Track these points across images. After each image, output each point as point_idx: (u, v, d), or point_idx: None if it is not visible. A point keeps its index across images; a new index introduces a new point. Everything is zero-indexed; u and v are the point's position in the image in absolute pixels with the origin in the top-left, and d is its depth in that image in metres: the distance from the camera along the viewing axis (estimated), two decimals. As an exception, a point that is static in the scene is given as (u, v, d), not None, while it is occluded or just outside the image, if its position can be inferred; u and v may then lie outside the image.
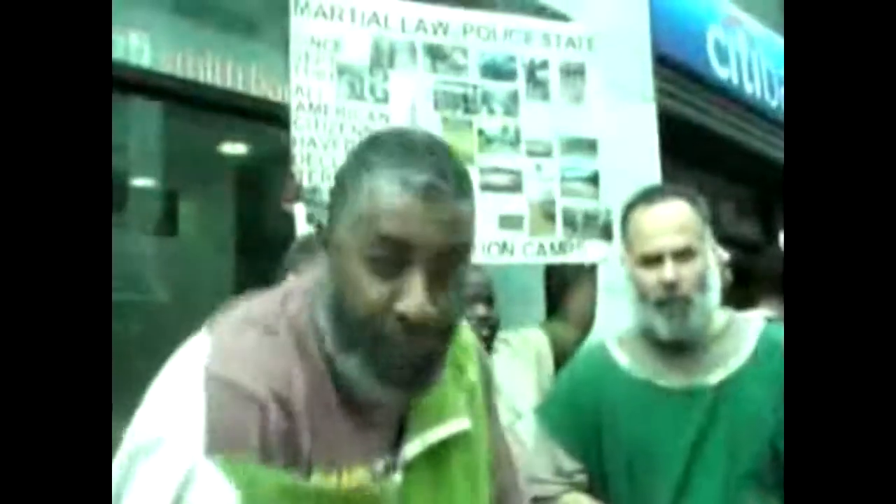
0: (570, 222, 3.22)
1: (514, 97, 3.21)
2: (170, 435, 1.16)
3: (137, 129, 4.11)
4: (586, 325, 3.24)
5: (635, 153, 5.12)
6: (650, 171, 5.35)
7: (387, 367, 1.20)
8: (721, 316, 2.15)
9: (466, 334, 1.50)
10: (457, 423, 1.38)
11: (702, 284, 2.05)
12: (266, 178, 3.31)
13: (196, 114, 4.12)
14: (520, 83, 3.22)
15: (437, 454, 1.35)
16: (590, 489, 2.15)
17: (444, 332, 1.24)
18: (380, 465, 1.28)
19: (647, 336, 2.14)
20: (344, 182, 1.27)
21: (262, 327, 1.26)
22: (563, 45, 3.32)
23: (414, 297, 1.18)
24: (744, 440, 2.00)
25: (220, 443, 1.14)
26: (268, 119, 3.39)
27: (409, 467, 1.31)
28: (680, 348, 2.10)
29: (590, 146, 3.31)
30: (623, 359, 2.17)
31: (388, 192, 1.19)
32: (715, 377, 2.07)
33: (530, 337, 3.11)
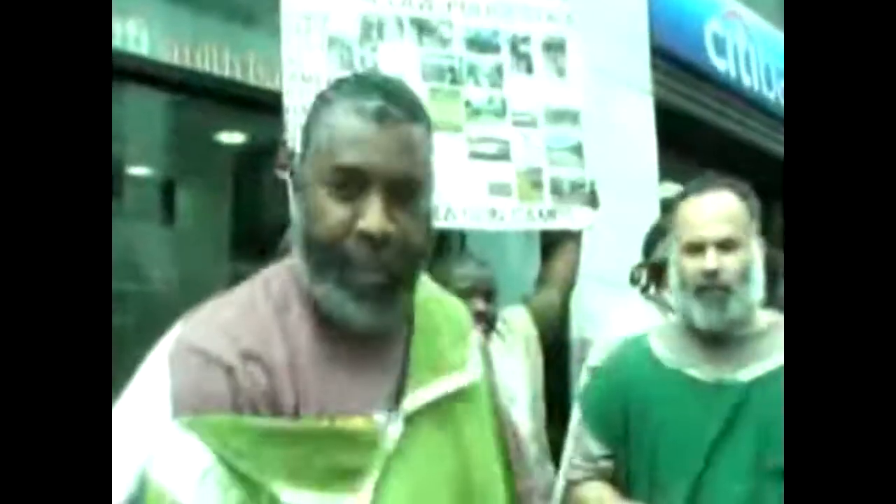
0: (557, 191, 3.28)
1: (499, 70, 3.27)
2: (136, 406, 1.22)
3: (135, 117, 4.10)
4: (568, 287, 3.31)
5: (633, 145, 5.12)
6: (648, 163, 5.35)
7: (356, 287, 1.27)
8: (766, 316, 2.16)
9: (461, 309, 1.57)
10: (458, 378, 1.42)
11: (744, 276, 2.06)
12: (263, 166, 3.31)
13: (194, 102, 4.12)
14: (504, 56, 3.29)
15: (442, 408, 1.38)
16: (614, 477, 2.17)
17: (407, 252, 1.30)
18: (381, 417, 1.30)
19: (687, 326, 2.15)
20: (308, 123, 1.36)
21: (240, 303, 1.32)
22: (544, 20, 3.38)
23: (372, 215, 1.25)
24: (772, 441, 1.98)
25: (186, 406, 1.19)
26: (265, 108, 3.38)
27: (410, 420, 1.32)
28: (717, 341, 2.11)
29: (573, 118, 3.37)
30: (659, 348, 2.19)
31: (343, 121, 1.29)
32: (748, 374, 2.07)
33: (516, 321, 3.14)
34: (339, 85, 1.37)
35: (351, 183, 1.27)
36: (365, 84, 1.34)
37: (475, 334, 1.55)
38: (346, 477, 1.25)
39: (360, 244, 1.26)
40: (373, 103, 1.28)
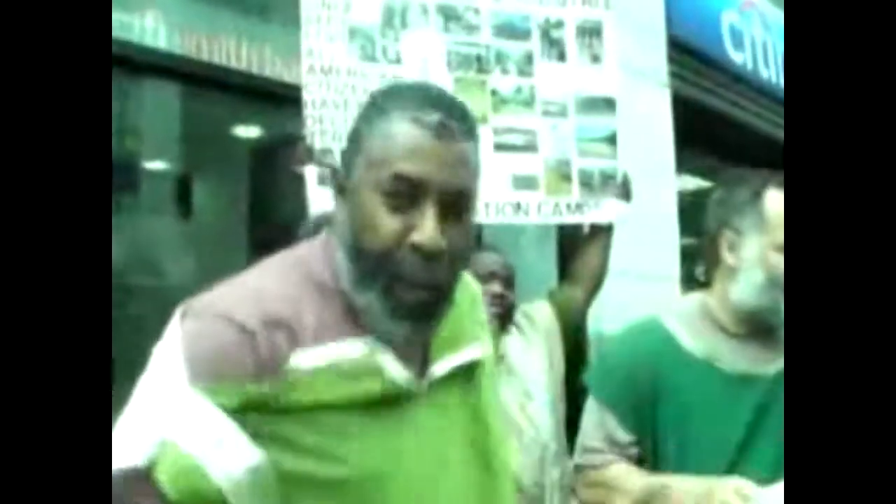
0: (586, 183, 3.18)
1: (528, 57, 3.16)
2: (156, 371, 1.23)
3: (152, 111, 4.10)
4: (595, 286, 3.21)
5: (650, 138, 5.10)
6: (665, 156, 5.33)
7: (400, 302, 1.29)
8: None
9: (475, 286, 1.62)
10: (477, 349, 1.49)
11: None
12: (280, 160, 3.30)
13: (210, 96, 4.12)
14: (534, 43, 3.18)
15: (467, 380, 1.46)
16: (640, 462, 2.17)
17: (455, 266, 1.33)
18: (404, 381, 1.34)
19: (709, 316, 2.18)
20: (359, 129, 1.36)
21: (273, 273, 1.35)
22: (580, 3, 3.28)
23: (427, 229, 1.27)
24: None
25: (204, 372, 1.20)
26: (282, 101, 3.38)
27: (434, 386, 1.39)
28: (742, 334, 2.13)
29: (607, 105, 3.28)
30: (685, 337, 2.18)
31: (402, 131, 1.29)
32: (774, 367, 2.09)
33: (537, 315, 3.10)
34: (391, 94, 1.38)
35: (406, 193, 1.28)
36: (422, 96, 1.35)
37: (483, 313, 1.60)
38: (369, 432, 1.29)
39: (411, 256, 1.27)
40: (432, 117, 1.29)
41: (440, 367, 1.41)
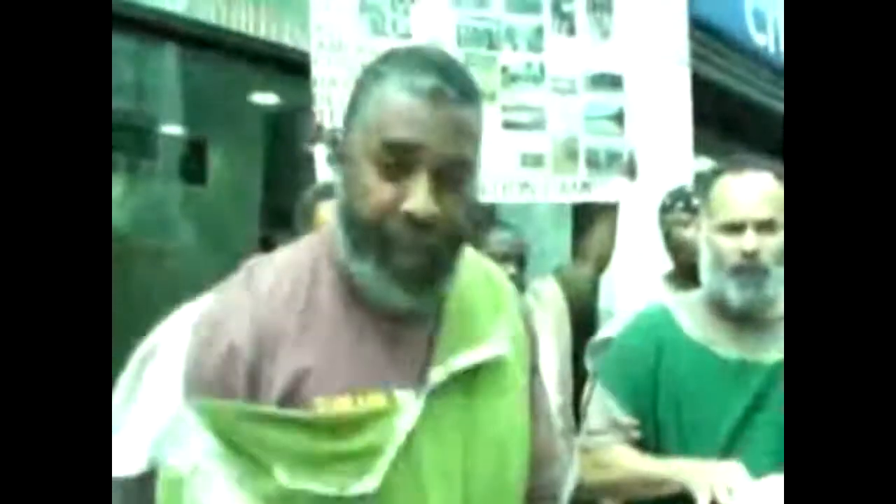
0: (592, 161, 3.18)
1: (538, 32, 3.13)
2: (155, 379, 1.30)
3: (169, 76, 4.11)
4: (603, 263, 3.25)
5: (667, 117, 5.06)
6: (682, 136, 5.29)
7: (396, 269, 1.25)
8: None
9: (502, 275, 1.53)
10: (489, 349, 1.38)
11: (780, 257, 2.04)
12: (295, 126, 3.30)
13: (229, 63, 4.12)
14: (545, 17, 3.15)
15: (468, 377, 1.35)
16: (643, 445, 2.16)
17: (451, 236, 1.28)
18: (403, 394, 1.29)
19: (713, 303, 2.16)
20: (356, 95, 1.32)
21: (284, 263, 1.34)
22: None
23: (419, 197, 1.22)
24: None
25: (197, 389, 1.23)
26: (299, 69, 3.38)
27: (437, 392, 1.31)
28: (742, 321, 2.11)
29: (615, 82, 3.27)
30: (685, 322, 2.19)
31: (395, 97, 1.24)
32: (770, 357, 2.07)
33: (546, 294, 3.11)
34: (389, 58, 1.32)
35: (399, 161, 1.23)
36: (419, 60, 1.29)
37: (514, 306, 1.49)
38: (356, 459, 1.24)
39: (404, 225, 1.23)
40: (427, 81, 1.24)
41: (437, 373, 1.32)
